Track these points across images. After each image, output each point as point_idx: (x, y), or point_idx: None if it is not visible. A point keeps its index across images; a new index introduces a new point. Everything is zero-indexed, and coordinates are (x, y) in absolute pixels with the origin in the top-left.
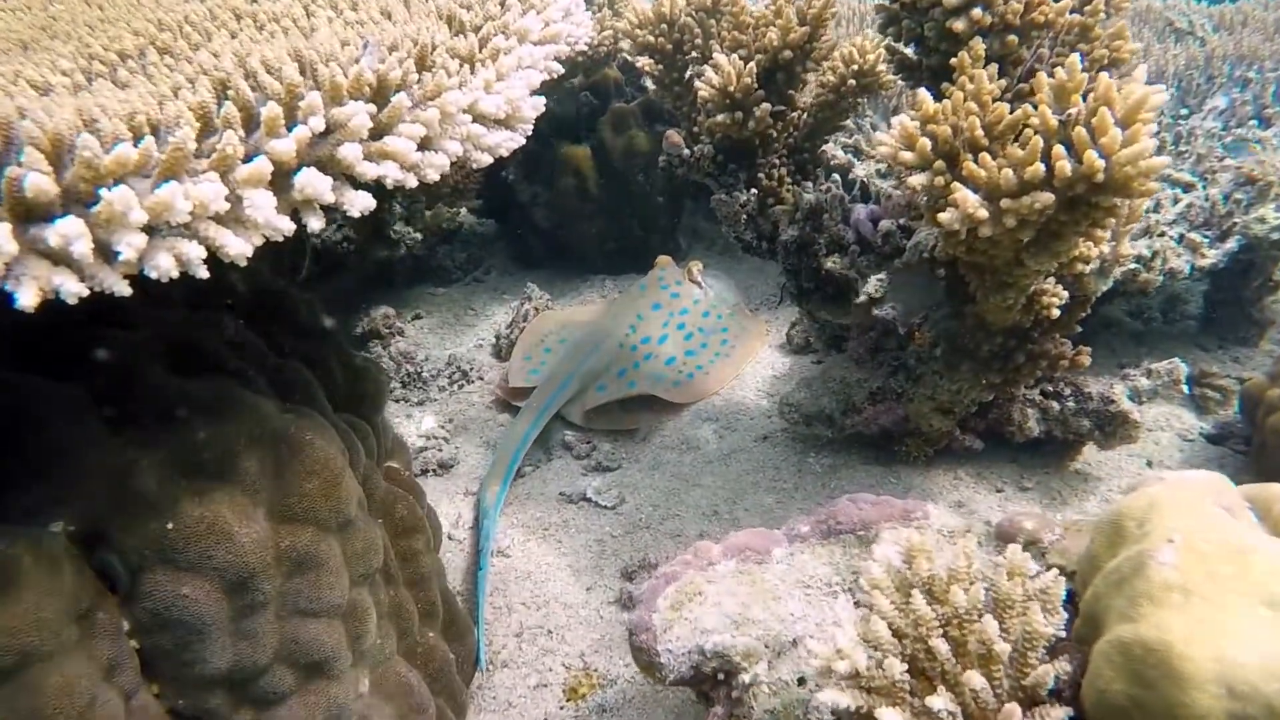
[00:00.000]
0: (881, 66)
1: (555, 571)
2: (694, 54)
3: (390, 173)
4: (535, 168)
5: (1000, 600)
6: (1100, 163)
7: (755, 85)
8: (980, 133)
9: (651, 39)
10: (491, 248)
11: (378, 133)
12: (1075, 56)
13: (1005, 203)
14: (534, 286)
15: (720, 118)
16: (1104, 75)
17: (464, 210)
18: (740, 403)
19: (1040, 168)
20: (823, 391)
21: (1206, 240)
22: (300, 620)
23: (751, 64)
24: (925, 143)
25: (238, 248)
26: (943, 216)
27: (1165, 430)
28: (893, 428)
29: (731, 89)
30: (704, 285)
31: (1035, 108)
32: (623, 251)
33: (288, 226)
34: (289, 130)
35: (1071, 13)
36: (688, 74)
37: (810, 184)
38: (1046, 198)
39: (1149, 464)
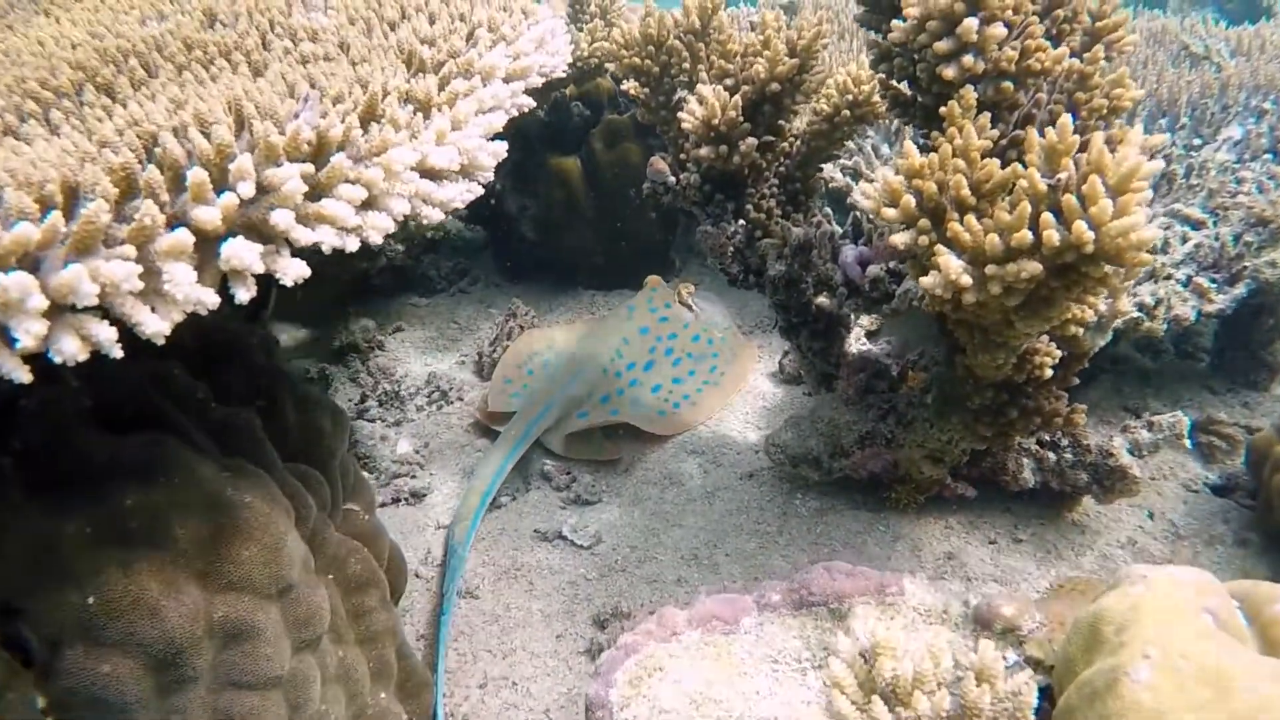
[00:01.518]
0: (877, 97)
1: (525, 616)
2: (681, 78)
3: (326, 238)
4: (524, 178)
5: (967, 709)
6: (1089, 234)
7: (740, 119)
8: (967, 191)
9: (638, 61)
10: (479, 257)
11: (316, 194)
12: (1067, 118)
13: (991, 269)
14: (519, 302)
15: (704, 150)
16: (1097, 138)
17: (450, 217)
18: (727, 435)
19: (1028, 235)
20: (810, 432)
21: (1215, 285)
22: (235, 693)
23: (737, 97)
24: (909, 200)
25: (154, 326)
26: (925, 281)
27: (1169, 479)
28: (882, 474)
29: (715, 121)
30: (695, 308)
31: (1025, 165)
32: (613, 267)
33: (212, 300)
34: (219, 195)
35: (1072, 56)
36: (675, 98)
37: (801, 215)
38: (1034, 267)
39: (1150, 515)
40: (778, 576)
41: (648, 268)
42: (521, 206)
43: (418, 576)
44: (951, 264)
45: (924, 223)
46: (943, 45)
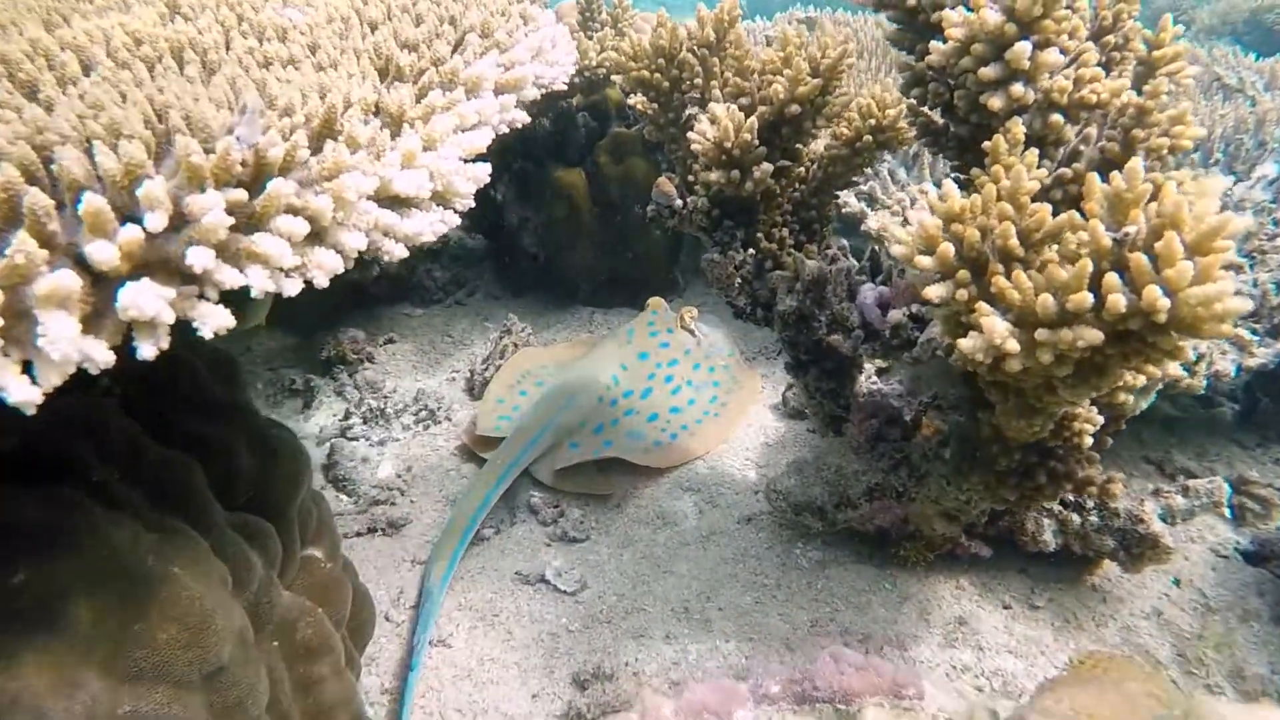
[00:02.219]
0: (903, 123)
1: (500, 670)
2: (693, 94)
3: (256, 281)
4: (527, 189)
5: None
6: (1164, 301)
7: (755, 142)
8: (1015, 241)
9: (647, 74)
10: (479, 267)
11: (252, 225)
12: (1137, 161)
13: (1041, 334)
14: (514, 319)
15: (714, 175)
16: (1170, 187)
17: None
18: (725, 472)
19: (1087, 297)
20: (815, 480)
21: (1256, 337)
22: None
23: (753, 118)
24: (948, 248)
25: (21, 395)
26: (964, 344)
27: (1197, 543)
28: (891, 529)
29: (728, 145)
30: (697, 334)
31: (1083, 214)
32: (615, 285)
33: (103, 358)
34: (122, 225)
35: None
36: (685, 115)
37: (815, 245)
38: (1094, 335)
39: (1177, 582)
40: (775, 639)
41: (651, 288)
42: (523, 218)
43: (388, 620)
44: (997, 327)
45: (963, 274)
46: (989, 71)
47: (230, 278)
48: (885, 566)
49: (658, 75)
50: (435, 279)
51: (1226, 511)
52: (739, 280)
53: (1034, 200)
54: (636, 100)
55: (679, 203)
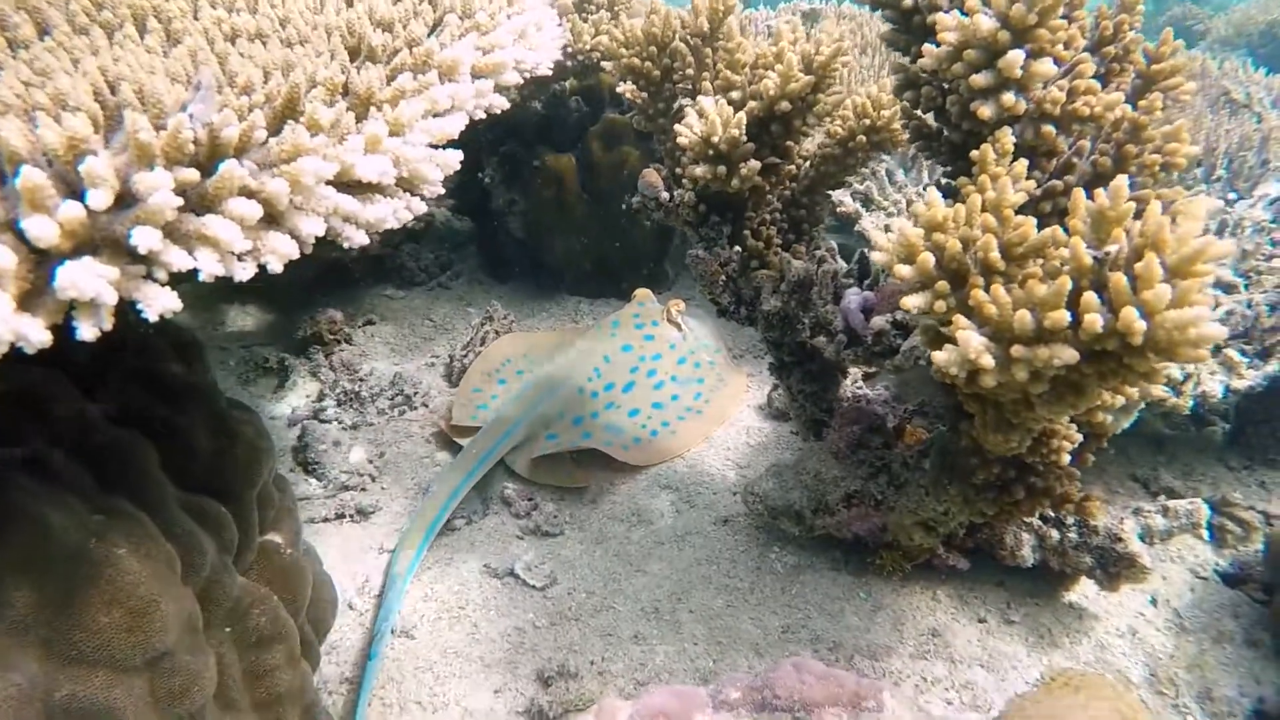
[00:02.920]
0: (897, 125)
1: (463, 664)
2: (684, 85)
3: (205, 265)
4: (516, 172)
5: None
6: (1140, 324)
7: (743, 138)
8: (996, 254)
9: (637, 62)
10: (464, 250)
11: (204, 206)
12: (1122, 179)
13: (1017, 350)
14: (497, 305)
15: (699, 169)
16: (1155, 206)
17: (435, 206)
18: (705, 471)
19: (1064, 316)
20: (794, 484)
21: (1245, 358)
22: None
23: (741, 114)
24: (928, 258)
25: None
26: (939, 357)
27: (1176, 563)
28: (868, 537)
29: (715, 140)
30: (684, 327)
31: (1067, 230)
32: (602, 274)
33: (39, 338)
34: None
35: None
36: (675, 106)
37: (803, 246)
38: (1069, 354)
39: (1154, 601)
40: (744, 644)
41: (639, 279)
42: (510, 201)
43: (351, 608)
44: (972, 341)
45: (942, 285)
46: (980, 79)
47: (179, 259)
48: (861, 575)
49: (649, 64)
50: (419, 260)
51: (1205, 533)
52: (723, 278)
53: (1022, 212)
54: (626, 88)
55: (665, 195)
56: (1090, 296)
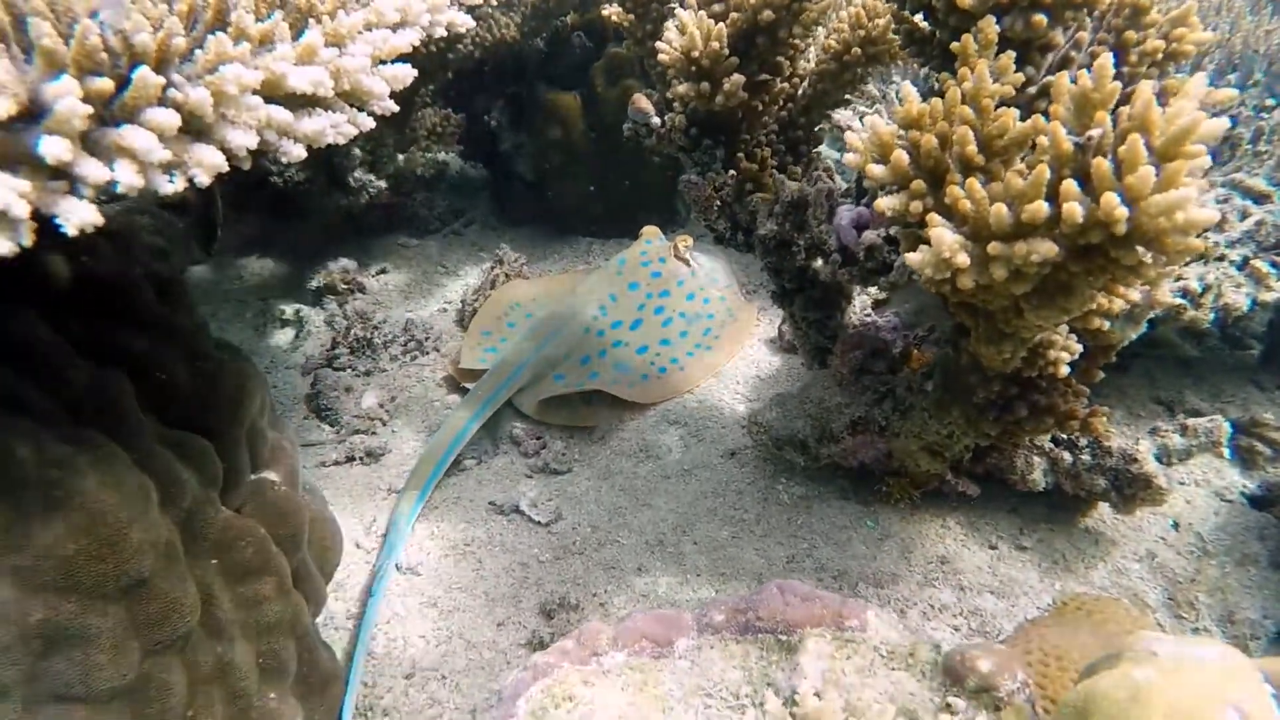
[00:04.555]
0: (893, 35)
1: (467, 599)
2: (672, 4)
3: (124, 177)
4: (521, 114)
5: None
6: (1122, 210)
7: (725, 51)
8: (973, 148)
9: None
10: (477, 197)
11: (124, 117)
12: (1108, 57)
13: (994, 247)
14: (506, 248)
15: (682, 87)
16: (1144, 87)
17: (446, 154)
18: (714, 406)
19: (1043, 207)
20: (797, 413)
21: (1276, 271)
22: (60, 708)
23: (721, 25)
24: (901, 155)
25: None
26: (912, 257)
27: (1200, 486)
28: (874, 464)
29: (696, 54)
30: (692, 264)
31: (1050, 118)
32: (612, 214)
33: None
34: None
35: None
36: (666, 26)
37: (801, 169)
38: (1047, 248)
39: (1175, 526)
40: (748, 574)
41: (650, 216)
42: (517, 144)
43: (358, 547)
44: (945, 238)
45: (918, 184)
46: None
47: (94, 172)
48: (869, 504)
49: None
50: (432, 208)
51: (1226, 452)
52: (718, 203)
53: (1006, 108)
54: (612, 10)
55: (656, 121)
56: (1070, 184)
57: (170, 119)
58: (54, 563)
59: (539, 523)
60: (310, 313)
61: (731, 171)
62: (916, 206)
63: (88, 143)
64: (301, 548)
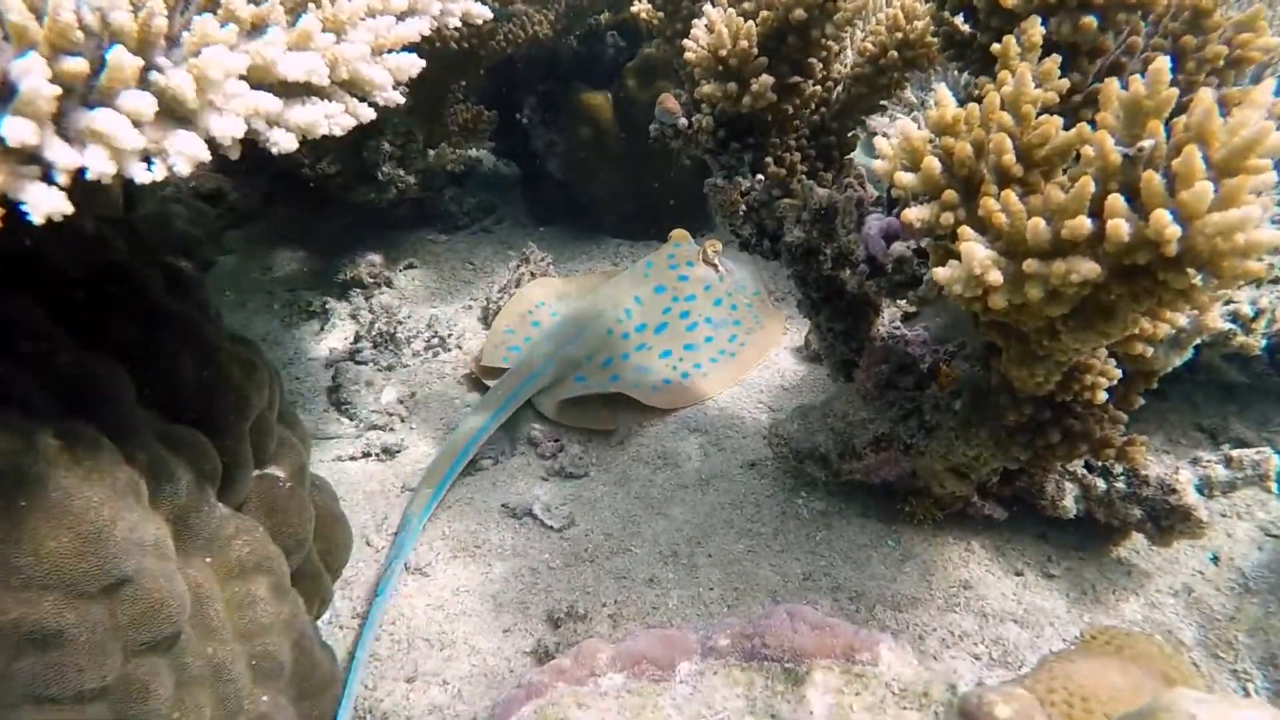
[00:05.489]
0: (930, 38)
1: (474, 603)
2: (703, 2)
3: (94, 164)
4: (553, 111)
5: None
6: (1174, 229)
7: (754, 51)
8: (1011, 157)
9: None
10: (509, 194)
11: (99, 100)
12: (1163, 61)
13: (1030, 265)
14: (534, 247)
15: (709, 87)
16: (1204, 94)
17: (478, 150)
18: (736, 415)
19: (1085, 223)
20: (820, 426)
21: None
22: (36, 709)
23: (750, 24)
24: (933, 163)
25: None
26: (940, 273)
27: (1243, 519)
28: (897, 483)
29: (724, 54)
30: (721, 269)
31: (1096, 127)
32: (643, 215)
33: None
34: None
35: None
36: (693, 24)
37: (831, 175)
38: (1089, 268)
39: (1215, 560)
40: (761, 591)
41: (681, 219)
42: (549, 142)
43: (369, 545)
44: (977, 253)
45: (950, 194)
46: None
47: (64, 156)
48: (892, 522)
49: None
50: (462, 204)
51: (1275, 487)
52: (744, 208)
53: (1048, 115)
54: (641, 8)
55: (683, 121)
56: (1117, 200)
57: (146, 103)
58: (32, 560)
59: (551, 528)
60: (336, 305)
61: (759, 176)
62: (948, 218)
63: (62, 127)
64: (305, 546)
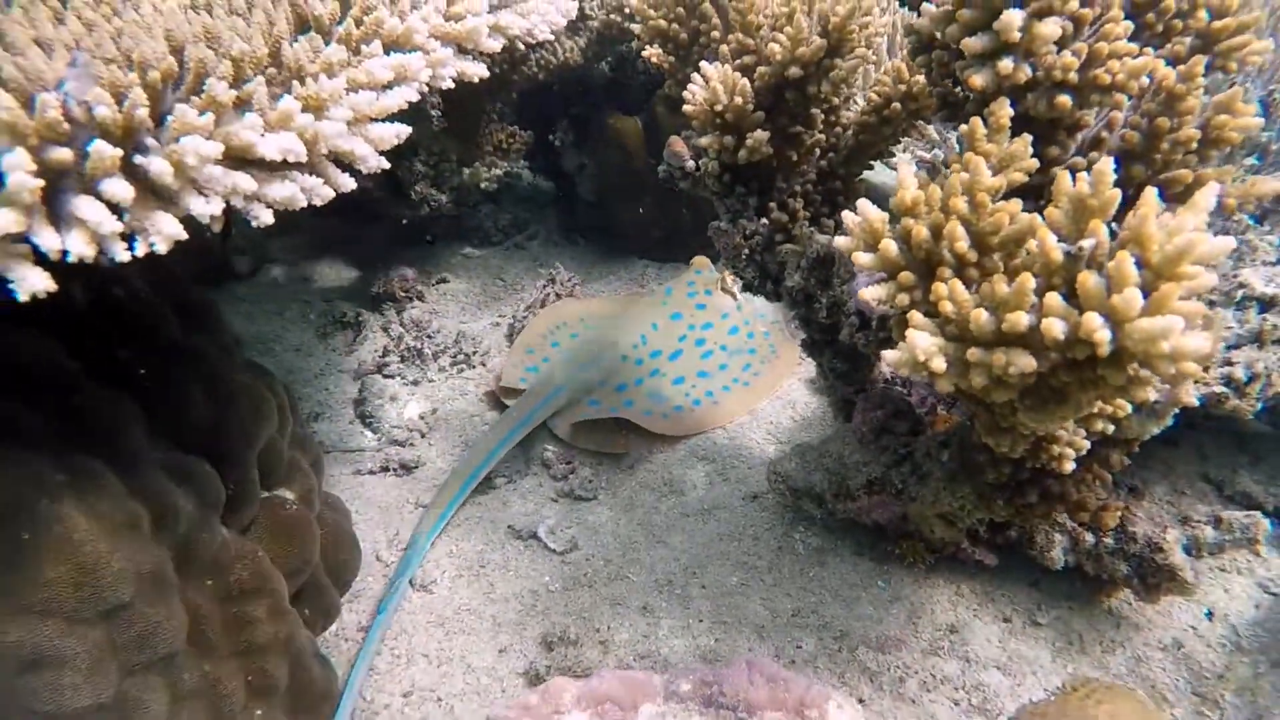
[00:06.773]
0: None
1: (474, 621)
2: (714, 47)
3: (75, 246)
4: (585, 134)
5: None
6: (1103, 334)
7: (749, 106)
8: (964, 244)
9: (664, 24)
10: (544, 211)
11: (86, 184)
12: (1107, 162)
13: (973, 354)
14: (560, 267)
15: (706, 139)
16: (1148, 195)
17: (513, 168)
18: (743, 445)
19: (1022, 318)
20: (816, 466)
21: None
22: None
23: (745, 81)
24: (890, 245)
25: None
26: (888, 355)
27: (1241, 575)
28: (889, 525)
29: (720, 108)
30: (739, 298)
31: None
32: (670, 239)
33: None
34: None
35: (1171, 64)
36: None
37: (834, 223)
38: (1025, 361)
39: (1209, 615)
40: (748, 625)
41: (707, 244)
42: (580, 165)
43: (379, 560)
44: (919, 342)
45: (907, 276)
46: (975, 43)
47: (49, 241)
48: (883, 563)
49: (675, 26)
50: (496, 221)
51: (1263, 550)
52: (746, 251)
53: (1009, 200)
54: (652, 53)
55: (691, 164)
56: (1054, 298)
57: (124, 191)
58: (32, 587)
59: (554, 551)
60: (369, 317)
61: (763, 220)
62: (903, 299)
63: (55, 206)
64: (309, 566)
